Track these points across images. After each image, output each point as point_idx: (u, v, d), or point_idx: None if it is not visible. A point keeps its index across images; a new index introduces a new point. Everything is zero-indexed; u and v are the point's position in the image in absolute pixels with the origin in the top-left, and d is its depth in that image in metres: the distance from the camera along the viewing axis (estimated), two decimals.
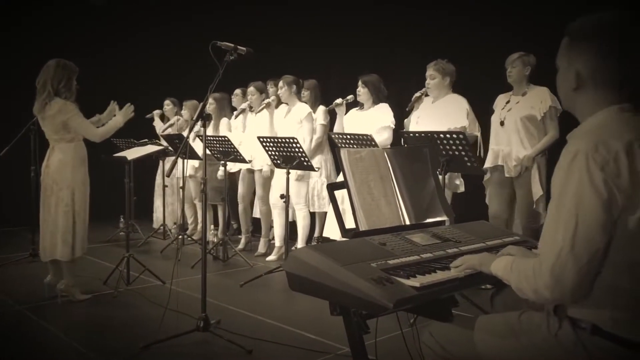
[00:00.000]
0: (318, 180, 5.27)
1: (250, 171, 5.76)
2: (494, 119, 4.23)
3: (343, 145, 4.17)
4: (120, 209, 6.06)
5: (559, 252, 1.37)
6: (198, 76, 5.70)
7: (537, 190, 3.99)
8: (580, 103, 1.54)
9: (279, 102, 5.46)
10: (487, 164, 4.23)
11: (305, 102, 5.35)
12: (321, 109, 5.32)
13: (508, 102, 4.16)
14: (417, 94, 4.46)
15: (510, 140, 4.08)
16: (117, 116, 4.17)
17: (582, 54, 1.50)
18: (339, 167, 5.27)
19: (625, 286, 1.40)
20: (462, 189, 4.32)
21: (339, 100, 4.84)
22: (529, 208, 4.05)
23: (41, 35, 7.03)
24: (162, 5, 7.58)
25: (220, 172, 5.79)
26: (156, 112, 6.90)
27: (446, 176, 3.78)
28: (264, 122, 5.44)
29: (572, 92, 1.54)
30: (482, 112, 4.35)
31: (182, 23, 7.52)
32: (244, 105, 5.79)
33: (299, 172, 5.03)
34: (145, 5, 7.60)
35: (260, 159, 5.43)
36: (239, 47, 3.19)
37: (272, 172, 5.40)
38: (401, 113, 4.74)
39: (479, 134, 4.22)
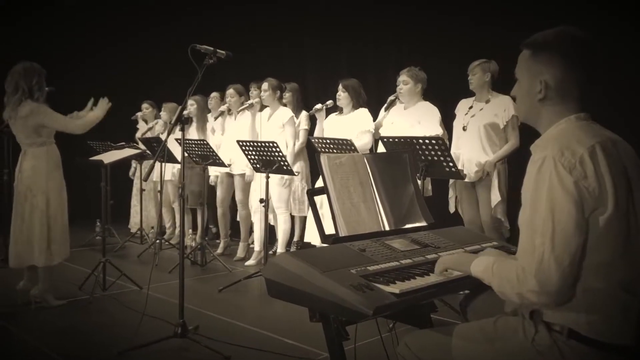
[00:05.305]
0: (299, 184, 5.26)
1: (230, 175, 5.72)
2: (456, 124, 4.28)
3: (323, 150, 4.17)
4: (96, 212, 5.99)
5: (540, 256, 1.40)
6: (177, 79, 5.66)
7: (495, 197, 4.04)
8: (546, 113, 1.58)
9: (262, 106, 5.44)
10: None
11: (287, 105, 5.34)
12: (304, 114, 5.32)
13: (471, 107, 4.20)
14: (392, 97, 4.49)
15: (472, 145, 4.12)
16: (96, 110, 4.07)
17: (549, 65, 1.55)
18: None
19: (599, 287, 1.43)
20: (431, 192, 4.39)
21: (318, 106, 4.85)
22: (491, 211, 4.11)
23: (18, 39, 6.91)
24: (140, 8, 7.51)
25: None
26: (139, 115, 6.83)
27: (419, 181, 3.81)
28: (244, 125, 5.41)
29: (538, 103, 1.58)
30: None
31: (160, 27, 7.45)
32: (223, 108, 5.76)
33: (285, 176, 5.02)
34: (124, 9, 7.52)
35: (239, 163, 5.39)
36: (218, 50, 3.17)
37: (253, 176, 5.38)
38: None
39: (447, 142, 4.28)
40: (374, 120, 4.67)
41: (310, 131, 5.27)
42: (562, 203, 1.40)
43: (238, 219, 5.77)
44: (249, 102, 5.33)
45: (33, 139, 3.85)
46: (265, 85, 5.18)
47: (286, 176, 4.98)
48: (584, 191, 1.40)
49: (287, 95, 5.39)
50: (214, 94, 6.11)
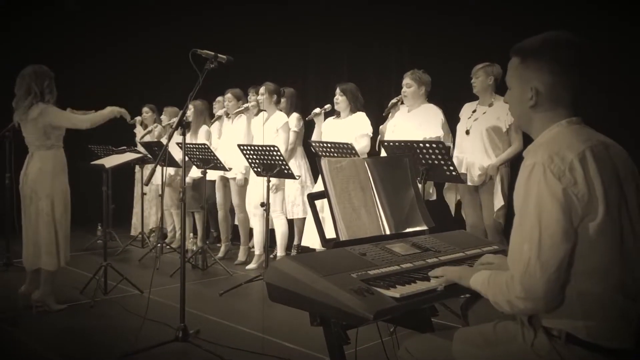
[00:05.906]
0: (292, 186, 5.25)
1: (226, 179, 5.73)
2: (460, 128, 4.28)
3: (324, 154, 4.17)
4: (97, 216, 5.99)
5: (527, 262, 1.41)
6: (177, 83, 5.67)
7: (499, 201, 4.03)
8: (538, 119, 1.58)
9: (259, 110, 5.44)
10: None
11: (282, 110, 5.34)
12: (294, 115, 5.30)
13: (474, 111, 4.20)
14: (394, 100, 4.50)
15: (475, 149, 4.11)
16: (111, 109, 4.06)
17: (538, 72, 1.54)
18: (313, 173, 5.28)
19: (595, 292, 1.43)
20: (434, 196, 4.38)
21: (317, 110, 4.85)
22: (493, 216, 4.10)
23: (18, 43, 6.92)
24: (141, 12, 7.53)
25: (188, 179, 5.69)
26: (137, 119, 6.84)
27: (420, 185, 3.81)
28: (240, 129, 5.42)
29: (530, 110, 1.58)
30: None
31: (161, 30, 7.47)
32: (220, 112, 5.77)
33: (273, 182, 5.00)
34: (124, 13, 7.54)
35: (234, 167, 5.39)
36: (219, 55, 3.18)
37: (245, 180, 5.37)
38: (379, 120, 4.77)
39: (451, 145, 4.28)
40: (376, 125, 4.67)
41: (308, 135, 5.27)
42: (550, 210, 1.40)
43: (236, 222, 5.77)
44: (244, 105, 5.35)
45: (42, 141, 3.85)
46: (262, 90, 5.19)
47: (274, 182, 4.97)
48: (573, 198, 1.40)
49: (282, 100, 5.39)
50: (220, 98, 6.11)
